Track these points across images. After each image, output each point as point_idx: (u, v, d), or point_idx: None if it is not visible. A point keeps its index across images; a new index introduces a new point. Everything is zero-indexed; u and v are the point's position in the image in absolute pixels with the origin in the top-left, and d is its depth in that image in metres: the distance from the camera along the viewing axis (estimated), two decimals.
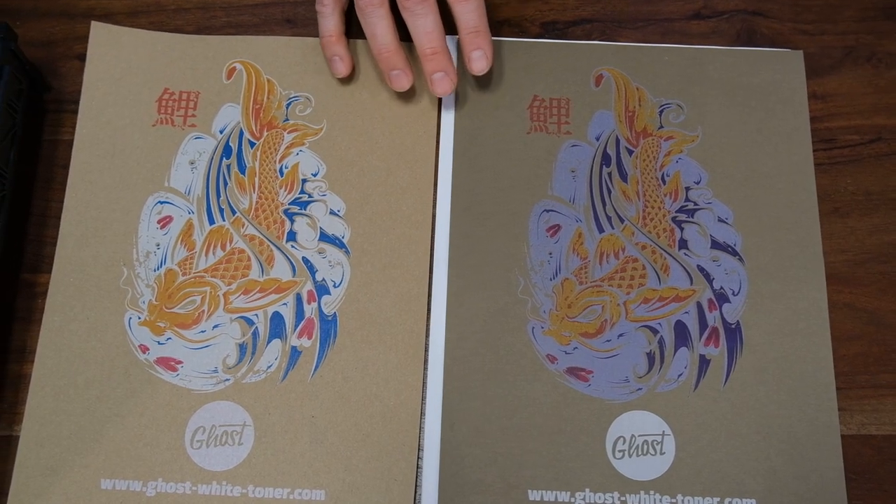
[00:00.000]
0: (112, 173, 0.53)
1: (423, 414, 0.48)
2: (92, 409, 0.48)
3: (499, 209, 0.52)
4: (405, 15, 0.50)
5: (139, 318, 0.50)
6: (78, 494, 0.47)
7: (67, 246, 0.51)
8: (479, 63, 0.51)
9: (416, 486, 0.47)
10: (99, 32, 0.55)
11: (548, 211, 0.52)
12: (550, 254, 0.51)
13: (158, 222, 0.52)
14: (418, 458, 0.48)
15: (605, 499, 0.46)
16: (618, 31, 0.57)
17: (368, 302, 0.50)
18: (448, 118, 0.54)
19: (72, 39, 0.57)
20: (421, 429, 0.48)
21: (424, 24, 0.50)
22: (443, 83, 0.51)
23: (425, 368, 0.49)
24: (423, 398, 0.49)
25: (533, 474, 0.47)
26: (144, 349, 0.49)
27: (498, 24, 0.57)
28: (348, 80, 0.55)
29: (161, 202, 0.52)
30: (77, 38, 0.57)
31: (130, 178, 0.53)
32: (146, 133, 0.53)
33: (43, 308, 0.50)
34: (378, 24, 0.50)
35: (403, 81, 0.52)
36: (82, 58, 0.56)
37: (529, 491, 0.46)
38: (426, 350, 0.50)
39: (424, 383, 0.49)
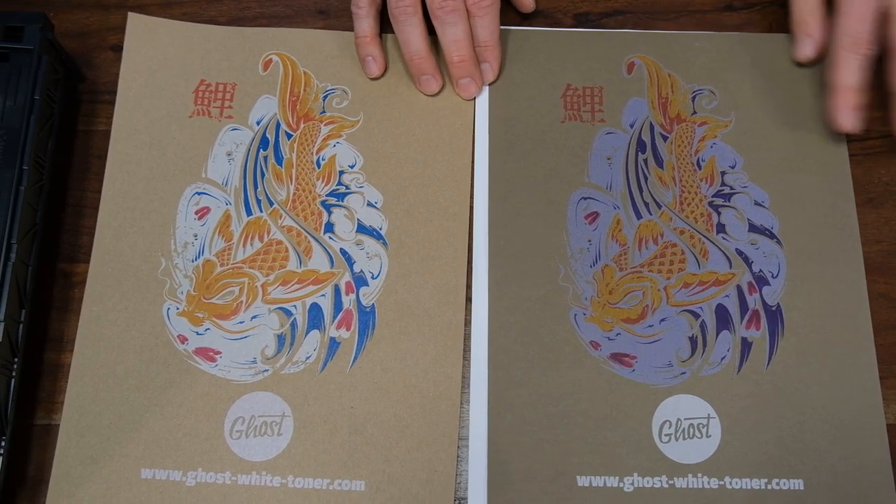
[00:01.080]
0: (149, 164, 0.53)
1: (464, 403, 0.48)
2: (131, 399, 0.48)
3: (536, 198, 0.52)
4: (436, 23, 0.52)
5: (177, 308, 0.50)
6: (118, 484, 0.47)
7: (105, 236, 0.51)
8: (485, 75, 0.54)
9: (457, 475, 0.47)
10: (136, 24, 0.55)
11: (585, 198, 0.52)
12: (590, 241, 0.51)
13: (196, 213, 0.52)
14: (459, 448, 0.48)
15: (654, 482, 0.46)
16: (650, 22, 0.57)
17: (406, 293, 0.50)
18: (483, 109, 0.54)
19: (105, 30, 0.57)
20: (462, 419, 0.48)
21: (454, 33, 0.52)
22: (468, 88, 0.54)
23: (466, 359, 0.49)
24: (467, 387, 0.49)
25: (581, 460, 0.47)
26: (183, 339, 0.49)
27: (531, 15, 0.57)
28: (385, 73, 0.55)
29: (198, 193, 0.52)
30: (111, 28, 0.57)
31: (168, 168, 0.53)
32: (183, 124, 0.54)
33: (80, 298, 0.50)
34: (411, 32, 0.52)
35: (433, 85, 0.54)
36: (116, 48, 0.56)
37: (578, 477, 0.47)
38: (467, 340, 0.50)
39: (465, 373, 0.49)
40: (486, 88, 0.55)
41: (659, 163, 0.53)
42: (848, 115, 0.51)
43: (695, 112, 0.54)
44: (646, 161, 0.53)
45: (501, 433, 0.47)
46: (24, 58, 0.50)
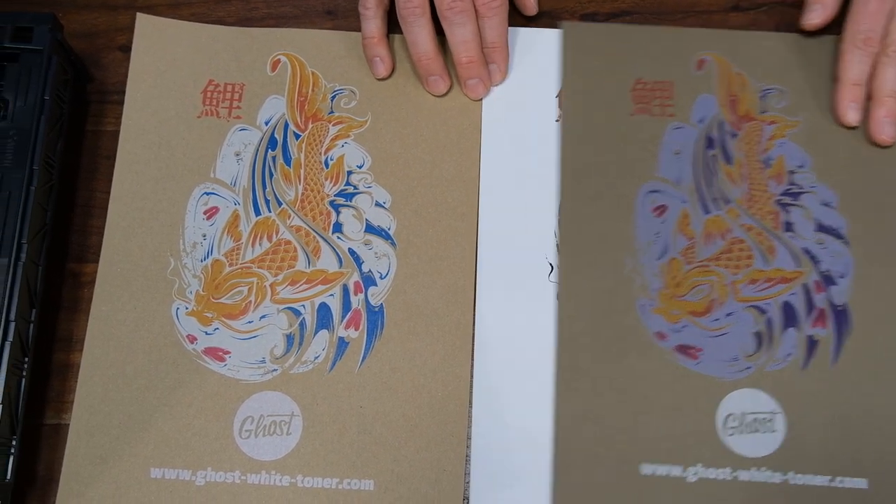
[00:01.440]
0: (158, 164, 0.53)
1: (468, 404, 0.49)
2: (140, 399, 0.48)
3: (606, 190, 0.52)
4: (444, 24, 0.52)
5: (186, 308, 0.50)
6: (128, 483, 0.47)
7: (114, 236, 0.51)
8: (493, 77, 0.54)
9: (465, 476, 0.47)
10: (144, 24, 0.55)
11: (653, 192, 0.52)
12: (657, 234, 0.51)
13: (204, 213, 0.52)
14: (467, 446, 0.48)
15: (718, 474, 0.47)
16: (656, 22, 0.57)
17: (415, 293, 0.50)
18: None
19: (113, 31, 0.57)
20: (470, 418, 0.48)
21: (462, 34, 0.52)
22: (476, 89, 0.54)
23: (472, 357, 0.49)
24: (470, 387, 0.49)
25: (645, 448, 0.47)
26: (192, 339, 0.50)
27: (539, 16, 0.57)
28: (393, 73, 0.55)
29: (207, 193, 0.52)
30: (118, 29, 0.57)
31: (176, 169, 0.53)
32: (191, 124, 0.54)
33: (89, 298, 0.50)
34: (419, 33, 0.52)
35: (441, 86, 0.54)
36: (124, 49, 0.56)
37: (642, 465, 0.47)
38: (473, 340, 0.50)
39: (472, 374, 0.49)
40: (499, 89, 0.55)
41: (728, 159, 0.53)
42: (852, 109, 0.52)
43: (764, 111, 0.54)
44: (714, 157, 0.53)
45: (568, 420, 0.48)
46: (34, 58, 0.50)
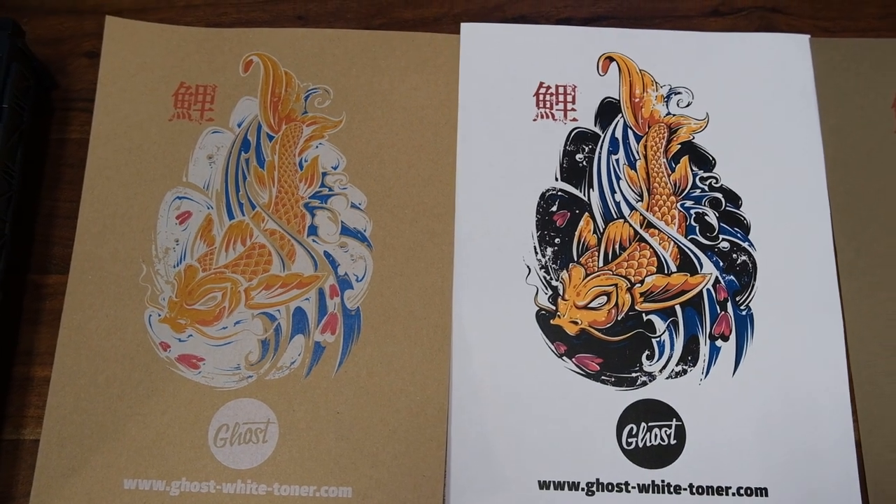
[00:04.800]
0: (129, 169, 0.52)
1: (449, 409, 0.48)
2: (113, 409, 0.47)
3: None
4: None
5: (159, 314, 0.49)
6: (101, 495, 0.46)
7: (85, 243, 0.50)
8: None
9: (444, 480, 0.46)
10: (113, 27, 0.55)
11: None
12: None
13: (177, 218, 0.51)
14: (446, 453, 0.47)
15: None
16: (634, 27, 0.56)
17: (392, 296, 0.50)
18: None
19: (80, 36, 0.56)
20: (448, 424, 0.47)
21: None
22: None
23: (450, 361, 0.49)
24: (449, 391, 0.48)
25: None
26: (165, 347, 0.49)
27: (513, 19, 0.56)
28: (367, 72, 0.54)
29: (179, 197, 0.51)
30: (85, 35, 0.56)
31: (148, 173, 0.52)
32: (163, 128, 0.53)
33: (51, 310, 0.49)
34: None
35: None
36: (90, 55, 0.55)
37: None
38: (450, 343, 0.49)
39: (450, 377, 0.48)
40: (473, 77, 0.54)
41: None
42: None
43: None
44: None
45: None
46: None
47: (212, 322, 0.49)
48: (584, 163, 0.52)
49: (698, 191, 0.52)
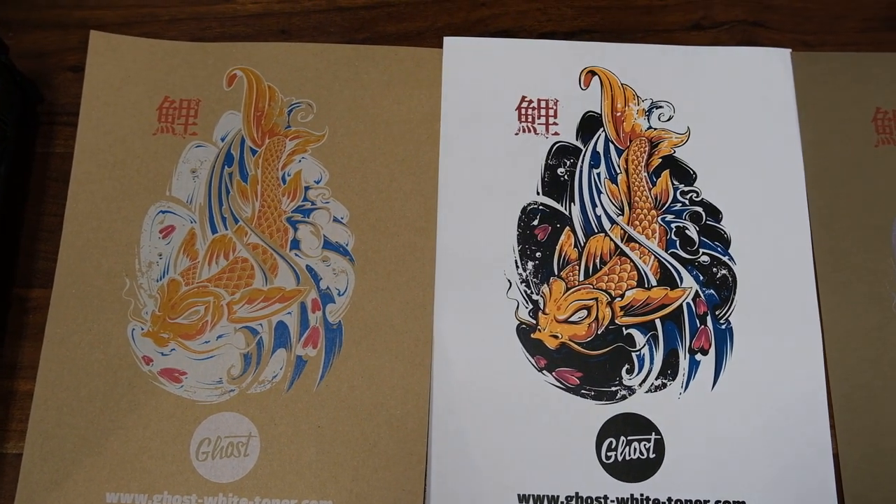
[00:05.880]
0: (113, 183, 0.52)
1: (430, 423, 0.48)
2: (96, 423, 0.48)
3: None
4: None
5: (142, 329, 0.49)
6: None
7: (69, 257, 0.51)
8: None
9: (425, 494, 0.47)
10: (98, 41, 0.55)
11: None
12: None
13: (160, 232, 0.51)
14: (426, 467, 0.47)
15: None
16: (616, 41, 0.56)
17: (374, 310, 0.50)
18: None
19: (64, 51, 0.56)
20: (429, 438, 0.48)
21: None
22: None
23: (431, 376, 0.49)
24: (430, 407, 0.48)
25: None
26: (148, 361, 0.49)
27: (497, 33, 0.56)
28: (350, 86, 0.54)
29: (163, 212, 0.52)
30: (70, 49, 0.56)
31: (132, 187, 0.52)
32: (147, 142, 0.53)
33: (35, 323, 0.50)
34: None
35: None
36: (75, 69, 0.55)
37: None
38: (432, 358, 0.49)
39: (430, 391, 0.49)
40: (451, 97, 0.54)
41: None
42: None
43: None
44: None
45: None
46: None
47: (194, 336, 0.49)
48: (566, 177, 0.53)
49: (679, 205, 0.52)
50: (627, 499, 0.47)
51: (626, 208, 0.52)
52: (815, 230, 0.51)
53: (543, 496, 0.47)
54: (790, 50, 0.55)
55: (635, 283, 0.51)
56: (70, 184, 0.52)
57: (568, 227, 0.52)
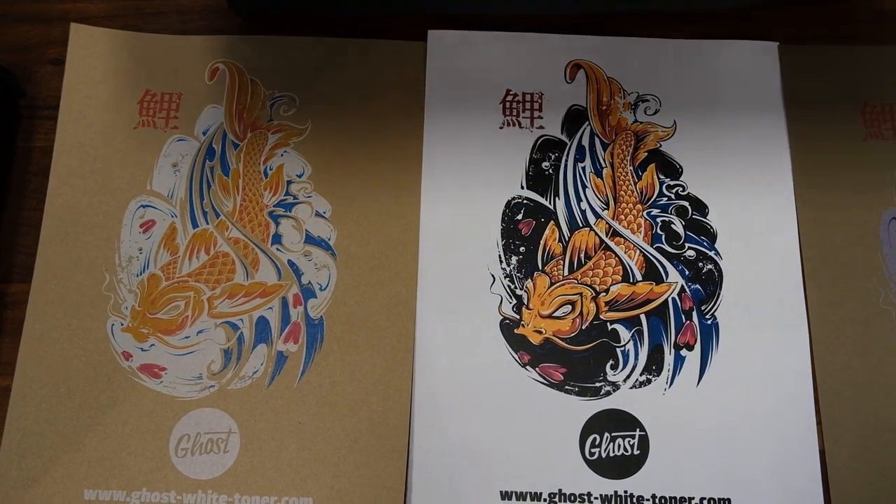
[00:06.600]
0: (94, 177, 0.52)
1: (412, 418, 0.47)
2: (74, 419, 0.47)
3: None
4: None
5: (122, 324, 0.49)
6: None
7: (48, 252, 0.50)
8: None
9: (406, 491, 0.46)
10: (78, 34, 0.54)
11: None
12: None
13: (141, 226, 0.51)
14: (408, 463, 0.47)
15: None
16: (602, 34, 0.55)
17: (356, 305, 0.49)
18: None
19: (46, 44, 0.55)
20: (411, 433, 0.47)
21: None
22: None
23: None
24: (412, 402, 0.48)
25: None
26: (127, 356, 0.48)
27: (480, 26, 0.55)
28: (334, 79, 0.54)
29: (143, 206, 0.51)
30: (51, 42, 0.55)
31: (112, 181, 0.52)
32: (128, 136, 0.52)
33: (14, 318, 0.49)
34: None
35: None
36: (56, 63, 0.55)
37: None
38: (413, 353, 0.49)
39: (412, 387, 0.48)
40: (438, 90, 0.53)
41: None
42: None
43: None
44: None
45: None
46: None
47: (174, 331, 0.49)
48: (551, 171, 0.52)
49: (665, 199, 0.52)
50: (611, 496, 0.46)
51: (612, 202, 0.52)
52: (803, 225, 0.51)
53: (526, 493, 0.46)
54: (777, 43, 0.55)
55: (620, 278, 0.50)
56: (50, 178, 0.51)
57: (552, 222, 0.51)
